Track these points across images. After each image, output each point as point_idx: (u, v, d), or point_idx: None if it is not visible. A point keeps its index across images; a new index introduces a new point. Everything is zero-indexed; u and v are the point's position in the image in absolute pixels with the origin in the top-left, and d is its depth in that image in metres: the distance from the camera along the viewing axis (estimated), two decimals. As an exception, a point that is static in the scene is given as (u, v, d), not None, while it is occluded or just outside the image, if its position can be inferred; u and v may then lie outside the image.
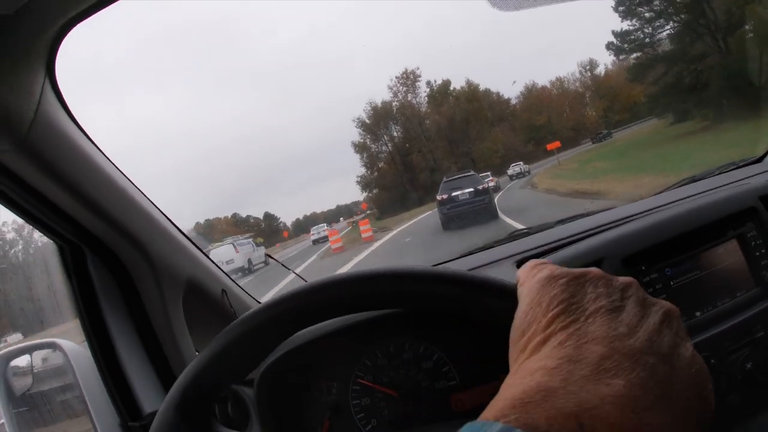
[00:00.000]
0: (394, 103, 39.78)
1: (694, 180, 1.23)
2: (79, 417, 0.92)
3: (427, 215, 14.46)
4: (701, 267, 0.78)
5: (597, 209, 1.17)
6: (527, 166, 21.89)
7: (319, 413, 0.72)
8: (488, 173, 16.84)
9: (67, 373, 0.83)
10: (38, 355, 1.00)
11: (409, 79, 40.15)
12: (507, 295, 0.42)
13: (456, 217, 9.12)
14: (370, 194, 37.50)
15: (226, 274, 0.96)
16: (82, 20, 0.52)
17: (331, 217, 36.68)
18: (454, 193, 9.26)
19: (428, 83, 40.51)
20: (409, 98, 40.66)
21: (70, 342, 0.87)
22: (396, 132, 39.29)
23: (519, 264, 0.90)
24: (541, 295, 0.33)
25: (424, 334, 0.72)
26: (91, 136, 0.67)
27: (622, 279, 0.34)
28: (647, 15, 18.34)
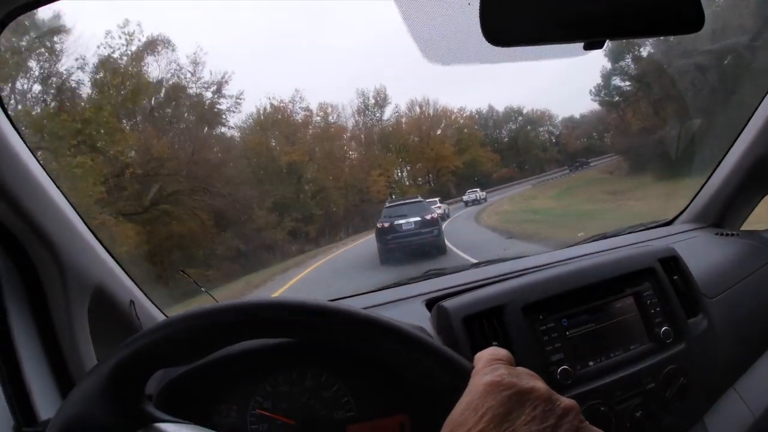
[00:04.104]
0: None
1: (605, 236, 1.32)
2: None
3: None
4: (597, 320, 0.82)
5: (511, 256, 1.23)
6: (483, 193, 21.04)
7: None
8: (436, 199, 15.26)
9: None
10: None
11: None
12: (456, 372, 0.46)
13: (397, 250, 7.77)
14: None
15: (137, 284, 0.92)
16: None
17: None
18: (397, 222, 7.89)
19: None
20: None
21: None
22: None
23: (428, 304, 0.92)
24: (480, 401, 0.34)
25: (327, 364, 0.72)
26: (15, 123, 0.65)
27: (565, 403, 0.35)
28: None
